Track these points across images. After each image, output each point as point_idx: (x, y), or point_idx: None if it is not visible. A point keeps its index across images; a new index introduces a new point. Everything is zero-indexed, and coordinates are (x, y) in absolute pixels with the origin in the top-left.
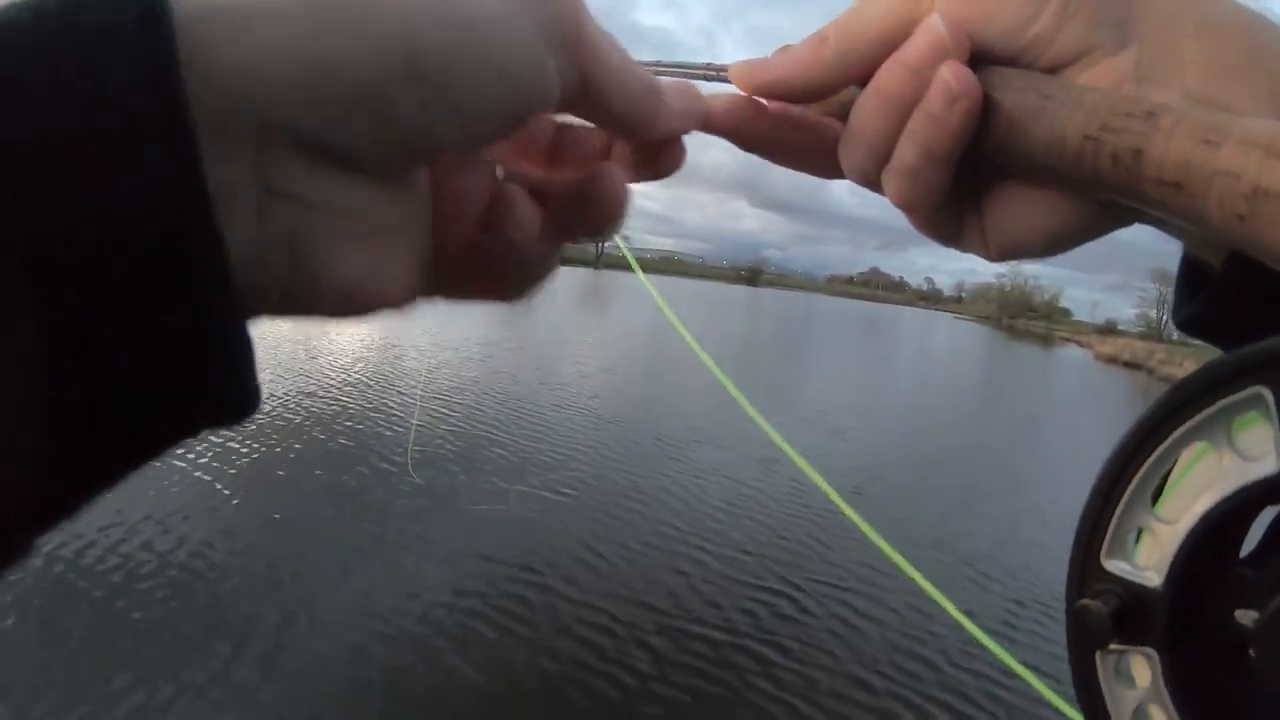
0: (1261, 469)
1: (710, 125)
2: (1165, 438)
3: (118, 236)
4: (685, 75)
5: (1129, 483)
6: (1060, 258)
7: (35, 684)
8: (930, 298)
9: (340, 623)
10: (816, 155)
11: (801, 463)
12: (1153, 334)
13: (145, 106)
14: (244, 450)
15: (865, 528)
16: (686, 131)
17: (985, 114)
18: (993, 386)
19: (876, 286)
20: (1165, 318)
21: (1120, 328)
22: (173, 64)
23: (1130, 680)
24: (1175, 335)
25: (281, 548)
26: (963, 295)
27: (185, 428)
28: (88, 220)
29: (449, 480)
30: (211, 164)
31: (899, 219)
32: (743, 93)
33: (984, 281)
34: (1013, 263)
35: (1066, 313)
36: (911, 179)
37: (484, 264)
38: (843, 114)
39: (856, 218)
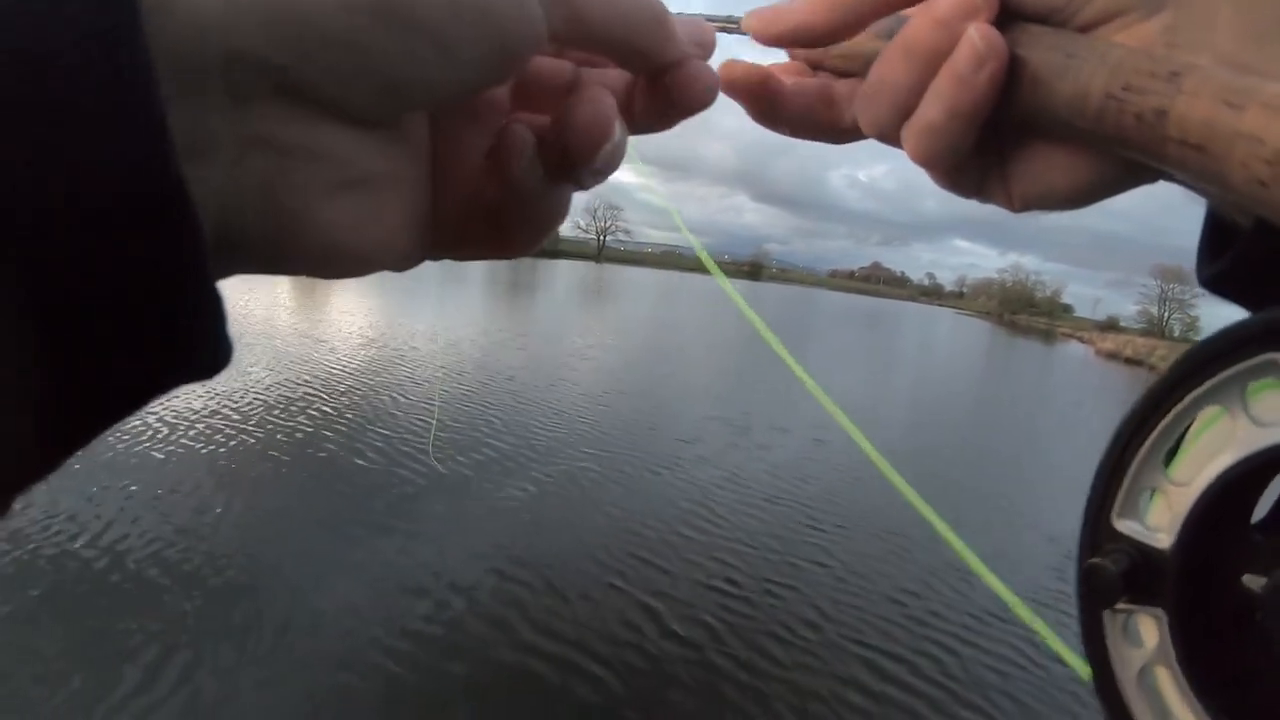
0: (1274, 435)
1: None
2: (1179, 400)
3: (70, 190)
4: None
5: (1142, 444)
6: (1062, 254)
7: (45, 671)
8: (932, 293)
9: (351, 613)
10: (826, 121)
11: (855, 432)
12: (1155, 331)
13: (97, 38)
14: (254, 444)
15: (911, 495)
16: (702, 58)
17: (1012, 72)
18: (993, 382)
19: (878, 281)
20: (1167, 315)
21: (1122, 324)
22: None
23: (1138, 640)
24: (1177, 332)
25: (295, 538)
26: (964, 291)
27: (154, 387)
28: (35, 174)
29: (471, 469)
30: (176, 108)
31: (900, 214)
32: (758, 43)
33: (985, 277)
34: (1035, 213)
35: (1068, 309)
36: (934, 137)
37: (488, 214)
38: (861, 68)
39: (858, 212)
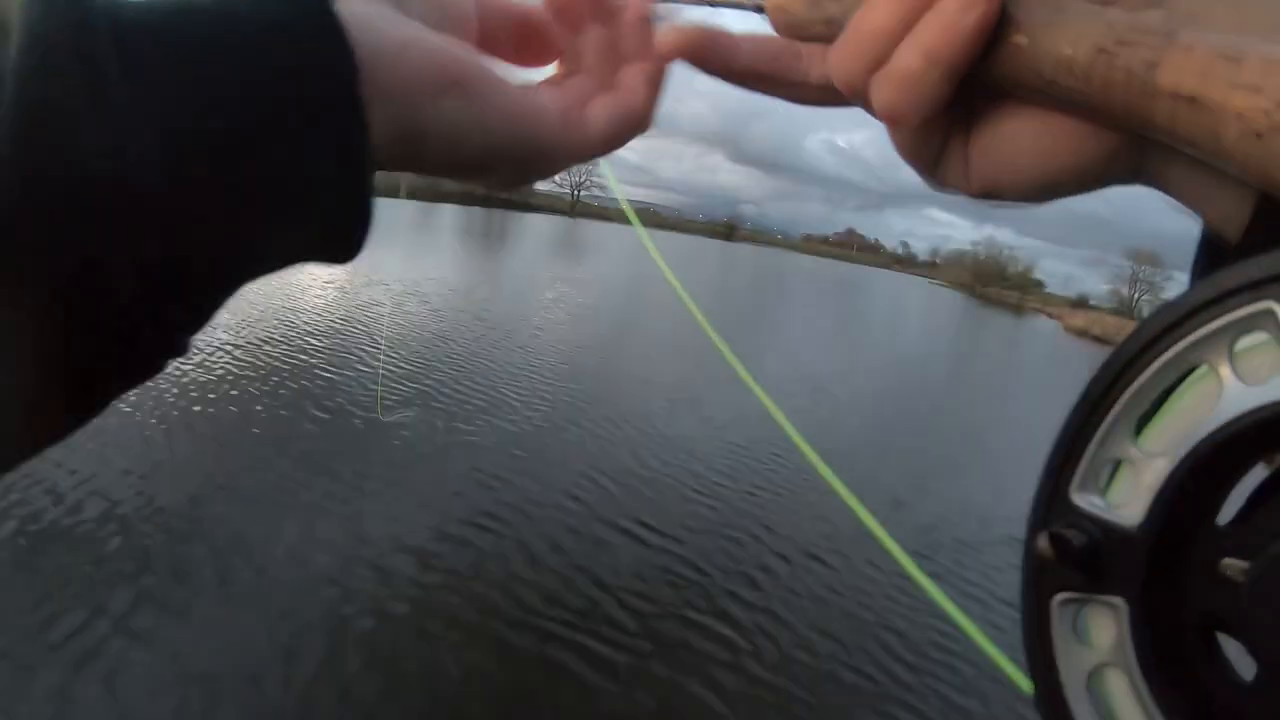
0: (1266, 395)
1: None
2: (1158, 357)
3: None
4: (726, 4)
5: (1110, 407)
6: (1038, 230)
7: None
8: (905, 261)
9: (304, 569)
10: (788, 76)
11: (772, 406)
12: (1124, 310)
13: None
14: (201, 401)
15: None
16: None
17: (999, 25)
18: (962, 353)
19: (852, 248)
20: (1137, 296)
21: (1092, 303)
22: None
23: (1088, 638)
24: (1146, 313)
25: (247, 497)
26: (938, 261)
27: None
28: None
29: (419, 420)
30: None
31: (876, 182)
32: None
33: (959, 248)
34: (990, 203)
35: (1040, 284)
36: (907, 85)
37: None
38: (828, 34)
39: (834, 177)
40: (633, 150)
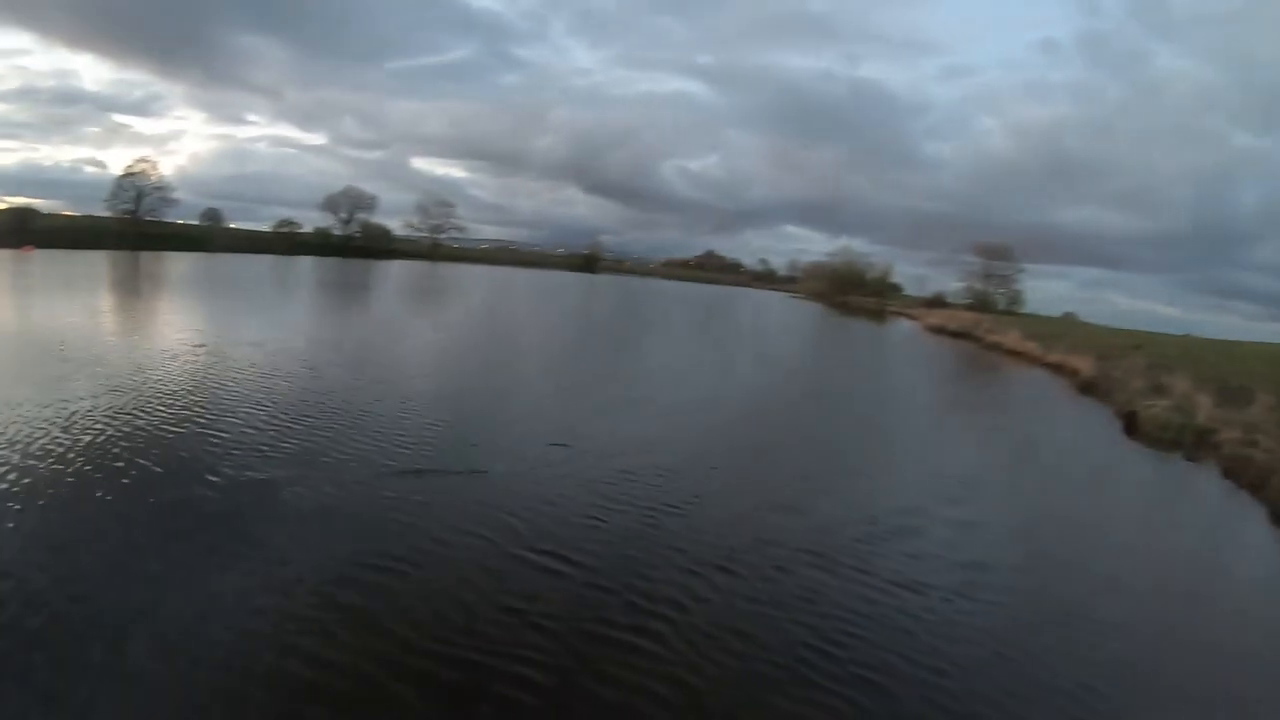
0: None
1: None
2: None
3: None
4: None
5: None
6: (887, 236)
7: None
8: (765, 277)
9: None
10: None
11: None
12: (978, 305)
13: None
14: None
15: None
16: None
17: None
18: (824, 357)
19: (712, 268)
20: (991, 290)
21: (949, 300)
22: None
23: None
24: (1001, 306)
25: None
26: (797, 274)
27: None
28: None
29: (305, 475)
30: None
31: (730, 202)
32: None
33: (816, 260)
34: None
35: (897, 288)
36: None
37: None
38: None
39: (689, 201)
40: (486, 190)
